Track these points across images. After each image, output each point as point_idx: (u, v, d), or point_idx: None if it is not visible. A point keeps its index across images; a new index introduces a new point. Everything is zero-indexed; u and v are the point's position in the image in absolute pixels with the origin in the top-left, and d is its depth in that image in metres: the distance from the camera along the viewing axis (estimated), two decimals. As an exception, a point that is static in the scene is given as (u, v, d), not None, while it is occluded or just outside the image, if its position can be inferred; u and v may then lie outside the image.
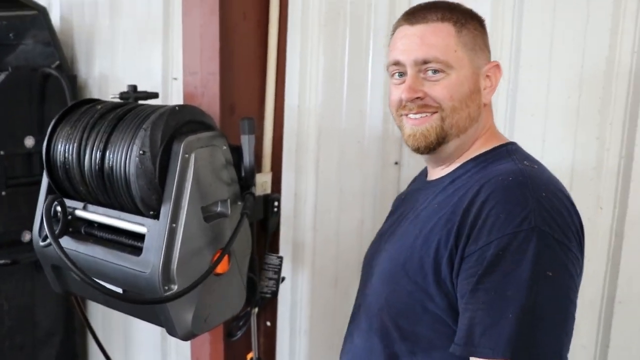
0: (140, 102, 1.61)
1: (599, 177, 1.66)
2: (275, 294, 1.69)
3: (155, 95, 1.65)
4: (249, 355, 1.78)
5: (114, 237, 1.43)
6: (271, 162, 2.02)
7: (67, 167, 1.42)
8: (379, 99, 2.04)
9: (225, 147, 1.41)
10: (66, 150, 1.42)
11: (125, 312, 1.50)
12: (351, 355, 1.36)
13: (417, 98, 1.24)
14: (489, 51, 1.31)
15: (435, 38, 1.23)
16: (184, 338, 1.37)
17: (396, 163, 2.06)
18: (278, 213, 1.71)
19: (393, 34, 1.31)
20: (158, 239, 1.28)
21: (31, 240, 2.32)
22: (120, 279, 1.36)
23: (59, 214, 1.38)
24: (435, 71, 1.23)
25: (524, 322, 1.06)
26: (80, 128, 1.41)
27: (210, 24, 1.57)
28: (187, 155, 1.30)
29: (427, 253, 1.18)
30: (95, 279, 1.27)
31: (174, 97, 2.49)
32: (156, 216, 1.30)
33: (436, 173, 1.34)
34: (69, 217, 1.45)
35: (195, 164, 1.31)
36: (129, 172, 1.29)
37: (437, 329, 1.19)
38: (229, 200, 1.40)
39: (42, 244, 1.43)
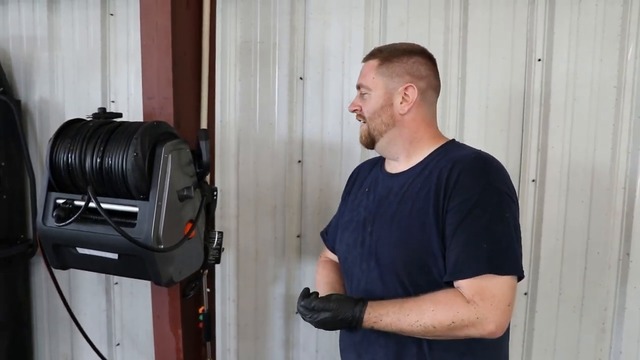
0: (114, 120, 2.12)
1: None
2: (218, 260, 2.24)
3: (119, 115, 2.16)
4: (201, 309, 2.32)
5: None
6: (208, 163, 2.59)
7: (70, 169, 1.92)
8: (284, 113, 2.68)
9: (187, 150, 1.99)
10: (69, 157, 1.92)
11: (118, 274, 2.03)
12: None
13: (356, 110, 1.74)
14: (413, 75, 1.67)
15: (365, 71, 1.72)
16: (167, 285, 1.92)
17: (299, 161, 2.72)
18: (216, 200, 2.27)
19: None
20: (149, 213, 1.83)
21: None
22: (118, 247, 1.88)
23: (61, 205, 1.91)
24: (365, 93, 1.71)
25: (493, 249, 1.48)
26: (80, 140, 1.92)
27: (164, 60, 2.10)
28: (166, 156, 1.86)
29: (426, 217, 1.56)
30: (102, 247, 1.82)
31: (115, 116, 2.96)
32: (146, 198, 1.85)
33: (399, 166, 1.73)
34: (69, 206, 1.96)
35: (171, 161, 1.88)
36: (126, 168, 1.83)
37: (440, 265, 1.55)
38: (192, 187, 1.98)
39: (56, 224, 1.91)
